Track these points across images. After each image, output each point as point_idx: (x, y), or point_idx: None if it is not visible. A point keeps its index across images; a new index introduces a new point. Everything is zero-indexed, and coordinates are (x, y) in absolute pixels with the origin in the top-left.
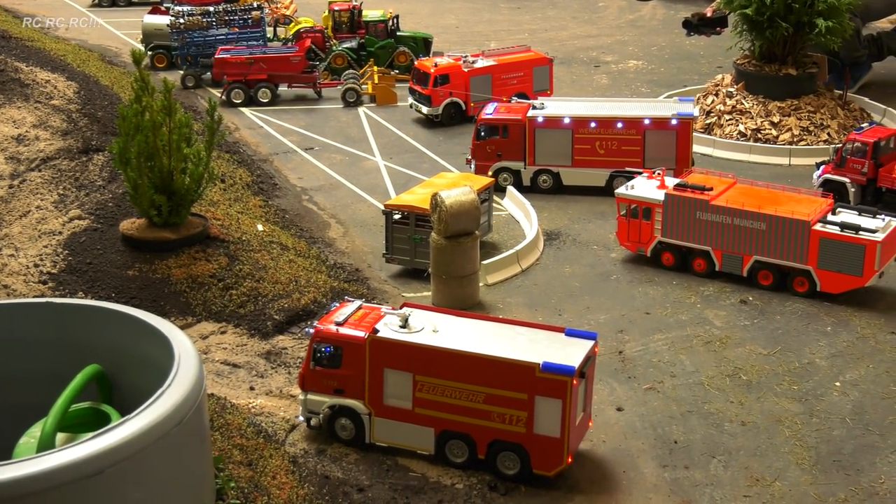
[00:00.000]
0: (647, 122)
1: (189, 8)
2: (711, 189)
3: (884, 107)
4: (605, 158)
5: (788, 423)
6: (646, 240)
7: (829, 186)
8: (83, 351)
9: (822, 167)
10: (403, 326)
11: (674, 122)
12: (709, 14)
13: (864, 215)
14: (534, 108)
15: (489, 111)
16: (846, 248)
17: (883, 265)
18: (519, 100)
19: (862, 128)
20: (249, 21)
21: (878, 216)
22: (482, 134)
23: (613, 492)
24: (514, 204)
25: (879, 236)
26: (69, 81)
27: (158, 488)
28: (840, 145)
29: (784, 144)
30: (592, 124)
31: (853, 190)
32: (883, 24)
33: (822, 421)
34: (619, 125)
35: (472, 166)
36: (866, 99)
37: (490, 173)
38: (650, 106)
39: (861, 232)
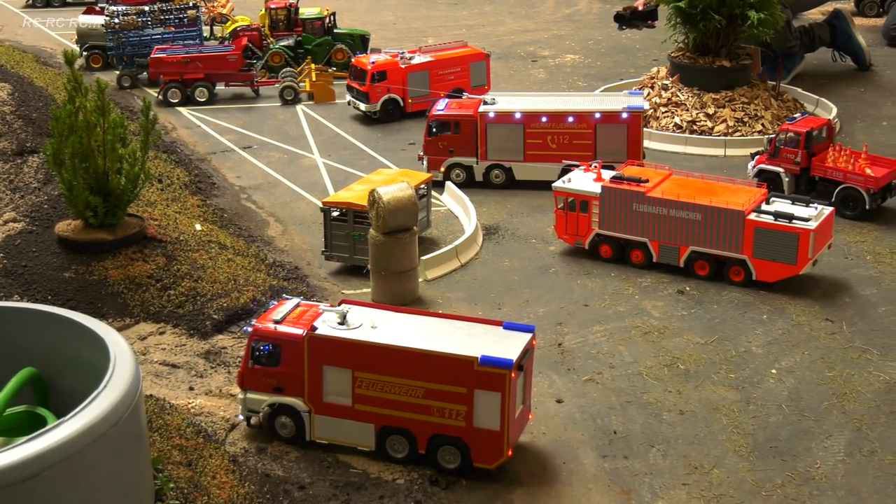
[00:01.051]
0: (597, 115)
1: (124, 7)
2: (647, 181)
3: (816, 97)
4: (557, 153)
5: (726, 411)
6: (584, 232)
7: (763, 176)
8: (19, 354)
9: (756, 157)
10: (342, 323)
11: (624, 115)
12: (640, 7)
13: (797, 204)
14: (485, 103)
15: (440, 107)
16: (780, 236)
17: (816, 253)
18: (467, 96)
19: (795, 118)
20: (185, 20)
21: (811, 205)
22: (434, 130)
23: (554, 483)
24: (452, 199)
25: (812, 225)
26: (2, 83)
27: (95, 490)
28: (773, 135)
29: (719, 136)
30: (544, 119)
31: (787, 179)
32: (815, 14)
33: (758, 408)
34: (570, 119)
35: (425, 162)
36: (799, 90)
37: (442, 169)
38: (601, 100)
39: (794, 221)
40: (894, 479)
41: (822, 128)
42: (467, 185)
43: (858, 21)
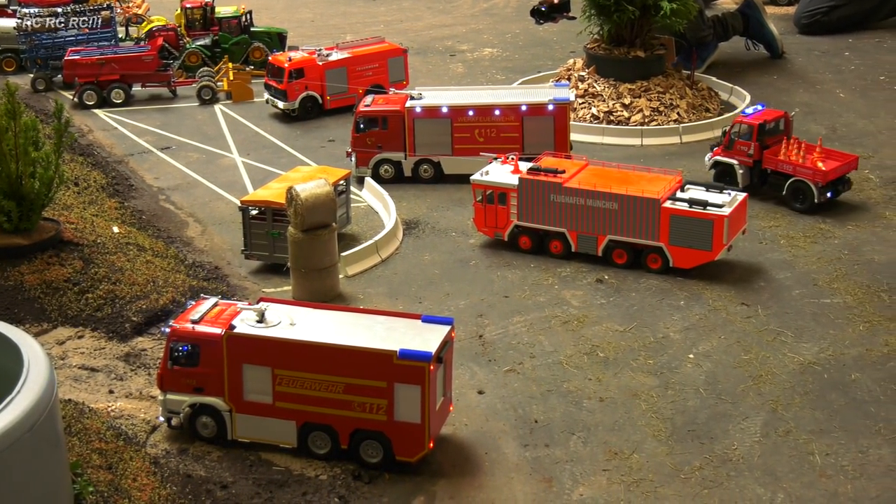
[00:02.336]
0: (524, 108)
1: (36, 9)
2: (564, 172)
3: (731, 85)
4: (485, 146)
5: (645, 397)
6: (502, 224)
7: (719, 168)
8: None
9: (713, 149)
10: (260, 321)
11: (550, 107)
12: (555, 0)
13: (711, 191)
14: (412, 98)
15: (367, 103)
16: (695, 223)
17: (731, 239)
18: (394, 91)
19: (750, 110)
20: (100, 21)
21: (724, 191)
22: (361, 126)
23: (476, 474)
24: (372, 195)
25: (726, 211)
26: None
27: (11, 496)
28: (728, 127)
29: (636, 125)
30: (470, 112)
31: (741, 172)
32: (727, 3)
33: (676, 393)
34: (497, 112)
35: (353, 159)
36: (714, 78)
37: (371, 165)
38: (527, 92)
39: (709, 207)
40: (809, 458)
41: (776, 120)
42: (396, 180)
43: (770, 10)
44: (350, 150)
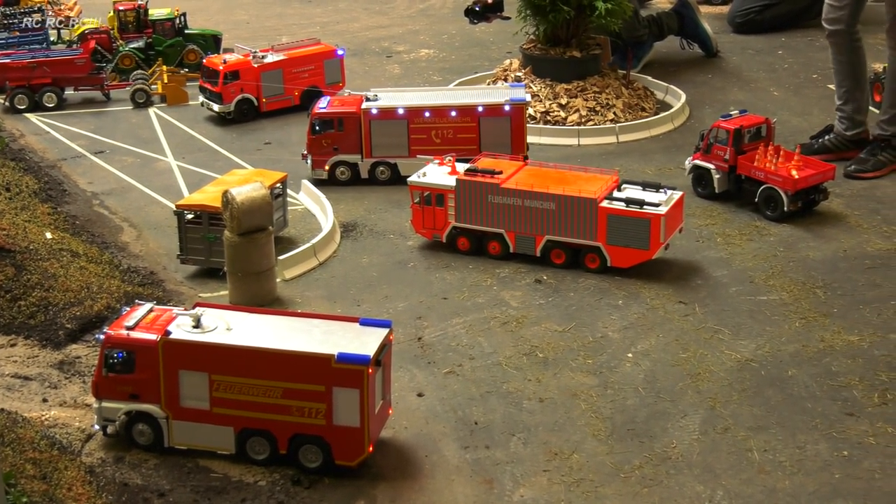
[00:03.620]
0: (480, 109)
1: None
2: (501, 172)
3: (666, 84)
4: (442, 147)
5: (584, 397)
6: (440, 226)
7: (696, 172)
8: None
9: (694, 153)
10: (196, 327)
11: (507, 107)
12: (489, 0)
13: (647, 190)
14: (367, 100)
15: (322, 105)
16: (632, 222)
17: (668, 237)
18: (349, 92)
19: (730, 115)
20: (31, 24)
21: (661, 190)
22: (317, 128)
23: (417, 476)
24: (309, 197)
25: (663, 210)
26: None
27: None
28: (706, 131)
29: (572, 125)
30: (427, 114)
31: (717, 177)
32: (662, 3)
33: (616, 392)
34: (453, 113)
35: (309, 161)
36: (649, 77)
37: (327, 168)
38: (483, 93)
39: (645, 206)
40: (747, 455)
41: (755, 126)
42: (353, 182)
43: (704, 9)
44: (305, 152)
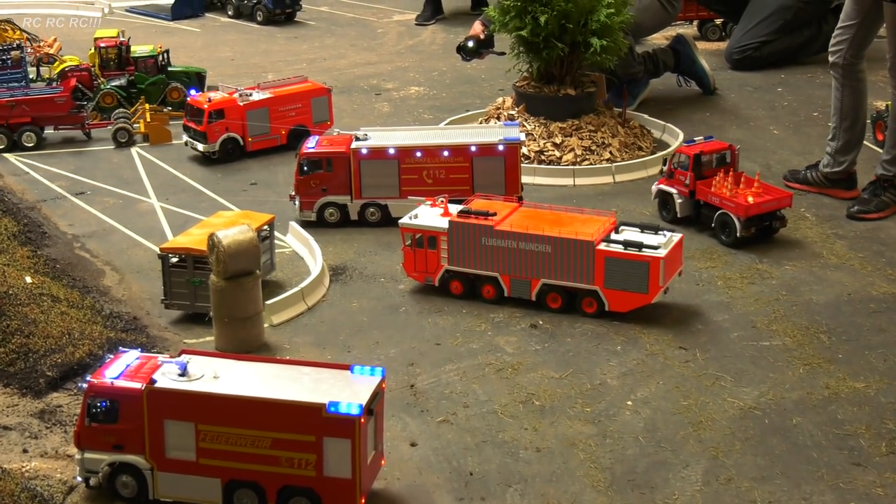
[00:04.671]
0: (473, 148)
1: None
2: (495, 214)
3: (663, 122)
4: (434, 188)
5: (583, 446)
6: (433, 269)
7: (661, 197)
8: None
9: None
10: (182, 375)
11: (500, 147)
12: (481, 35)
13: (646, 232)
14: (357, 139)
15: (311, 145)
16: (630, 265)
17: (667, 281)
18: (338, 131)
19: (694, 140)
20: (9, 62)
21: (659, 232)
22: (305, 169)
23: None
24: (297, 240)
25: (662, 252)
26: None
27: None
28: (671, 156)
29: (567, 165)
30: (418, 154)
31: (679, 201)
32: (658, 39)
33: (615, 441)
34: (446, 153)
35: (297, 203)
36: (646, 116)
37: (315, 209)
38: (476, 132)
39: (644, 249)
40: None
41: (717, 152)
42: (342, 224)
43: (701, 45)
44: (293, 193)
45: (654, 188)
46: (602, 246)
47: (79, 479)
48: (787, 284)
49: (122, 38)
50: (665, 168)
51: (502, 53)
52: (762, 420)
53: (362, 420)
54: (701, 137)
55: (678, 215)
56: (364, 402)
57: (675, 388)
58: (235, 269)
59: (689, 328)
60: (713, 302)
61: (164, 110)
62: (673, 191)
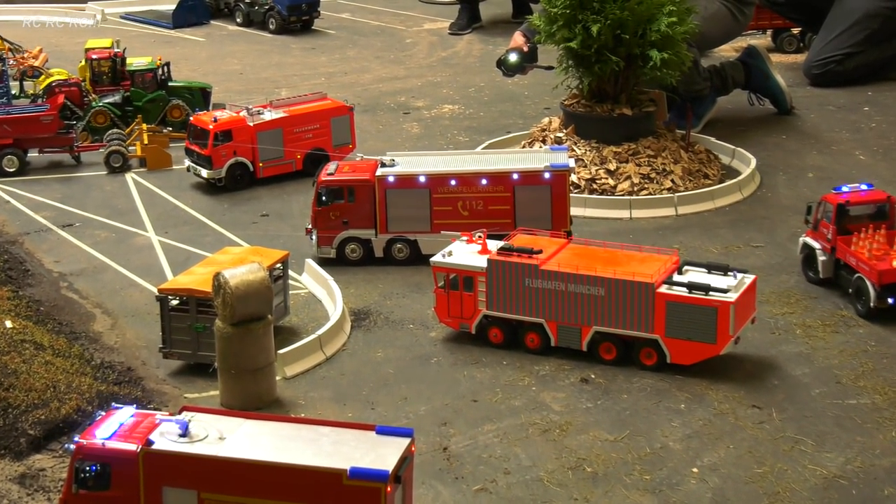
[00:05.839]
0: (515, 176)
1: None
2: (541, 251)
3: (733, 147)
4: (470, 221)
5: None
6: (469, 314)
7: (805, 252)
8: None
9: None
10: (183, 435)
11: (546, 175)
12: (525, 48)
13: (713, 273)
14: (383, 165)
15: (330, 171)
16: (696, 311)
17: (738, 329)
18: (361, 156)
19: (842, 188)
20: None
21: (729, 273)
22: (323, 198)
23: None
24: (314, 280)
25: (732, 296)
26: None
27: None
28: (816, 204)
29: (623, 195)
30: (453, 182)
31: (822, 259)
32: (726, 51)
33: None
34: (484, 181)
35: (314, 238)
36: (712, 139)
37: (335, 245)
38: (518, 157)
39: (711, 293)
40: None
41: (871, 203)
42: (365, 262)
43: (776, 58)
44: (310, 226)
45: (800, 241)
46: (663, 289)
47: None
48: (876, 334)
49: (116, 49)
50: (810, 217)
51: (549, 68)
52: (849, 491)
53: (388, 488)
54: (857, 185)
55: (820, 276)
56: (391, 467)
57: (748, 453)
58: (244, 313)
59: (764, 384)
60: (791, 353)
61: (164, 131)
62: (816, 245)
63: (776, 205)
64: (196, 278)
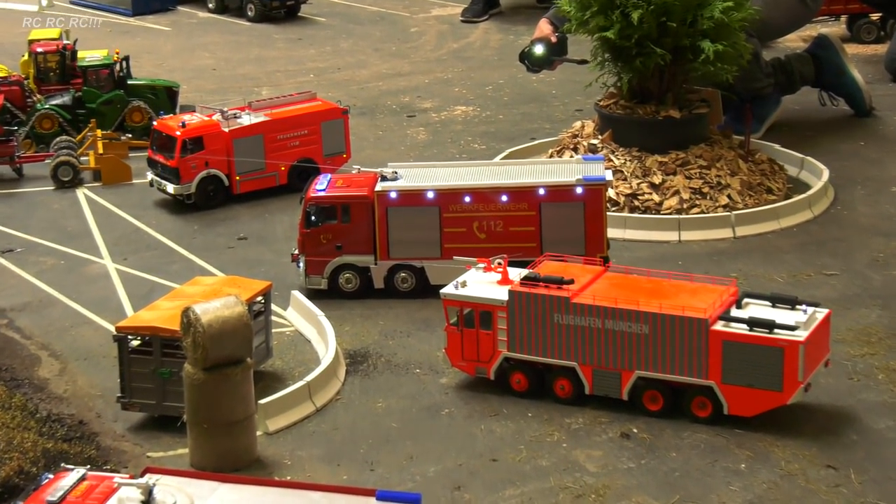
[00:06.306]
0: (541, 191)
1: None
2: (573, 281)
3: (801, 156)
4: (488, 245)
5: None
6: (487, 357)
7: None
8: None
9: None
10: (146, 502)
11: (579, 189)
12: (553, 39)
13: (779, 307)
14: (383, 178)
15: (321, 186)
16: (758, 352)
17: (809, 374)
18: (358, 169)
19: None
20: None
21: (797, 307)
22: (313, 218)
23: None
24: (301, 316)
25: (802, 334)
26: None
27: None
28: None
29: (670, 213)
30: (467, 198)
31: None
32: (793, 42)
33: None
34: (504, 198)
35: (301, 265)
36: (777, 146)
37: (327, 274)
38: (545, 169)
39: (777, 330)
40: None
41: None
42: (362, 294)
43: (851, 49)
44: (296, 252)
45: None
46: (719, 326)
47: None
48: None
49: (65, 41)
50: None
51: (582, 62)
52: None
53: None
54: None
55: None
56: None
57: None
58: (219, 355)
59: (840, 439)
60: (872, 403)
61: (123, 138)
62: None
63: (853, 225)
64: (161, 314)
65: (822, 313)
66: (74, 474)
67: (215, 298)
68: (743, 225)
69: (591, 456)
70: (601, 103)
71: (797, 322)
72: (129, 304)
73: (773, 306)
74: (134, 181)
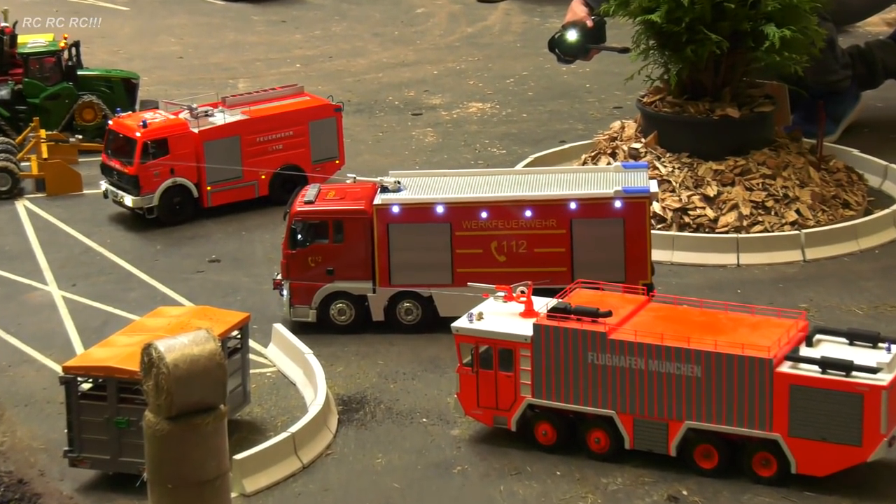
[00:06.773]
0: (573, 205)
1: None
2: (610, 313)
3: (884, 163)
4: (509, 270)
5: None
6: (507, 404)
7: None
8: None
9: None
10: None
11: (618, 203)
12: (589, 23)
13: (857, 344)
14: (384, 189)
15: (310, 198)
16: (833, 399)
17: (893, 426)
18: (354, 178)
19: None
20: None
21: (880, 345)
22: (300, 237)
23: None
24: (285, 354)
25: (885, 378)
26: None
27: None
28: None
29: (726, 231)
30: (483, 214)
31: None
32: (874, 26)
33: None
34: (528, 213)
35: (285, 293)
36: (855, 151)
37: (316, 303)
38: (578, 178)
39: (855, 373)
40: None
41: None
42: (358, 327)
43: None
44: (279, 277)
45: None
46: (786, 367)
47: None
48: None
49: (2, 23)
50: None
51: (623, 50)
52: None
53: None
54: None
55: None
56: None
57: None
58: (186, 402)
59: None
60: None
61: (72, 140)
62: None
63: None
64: (117, 352)
65: None
66: None
67: (182, 333)
68: (814, 246)
69: None
70: (645, 100)
71: (879, 363)
72: (78, 340)
73: (851, 344)
74: (85, 191)
